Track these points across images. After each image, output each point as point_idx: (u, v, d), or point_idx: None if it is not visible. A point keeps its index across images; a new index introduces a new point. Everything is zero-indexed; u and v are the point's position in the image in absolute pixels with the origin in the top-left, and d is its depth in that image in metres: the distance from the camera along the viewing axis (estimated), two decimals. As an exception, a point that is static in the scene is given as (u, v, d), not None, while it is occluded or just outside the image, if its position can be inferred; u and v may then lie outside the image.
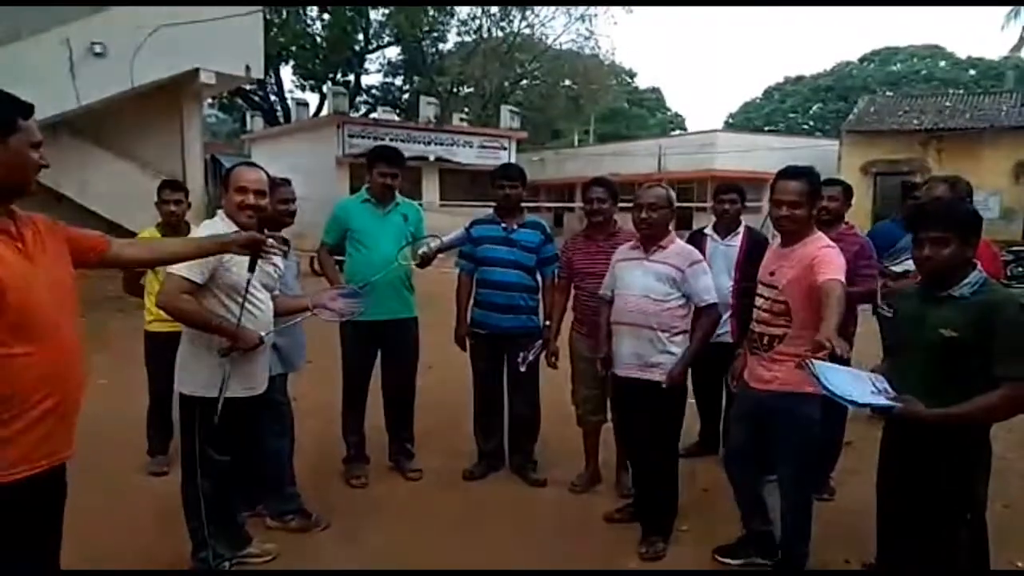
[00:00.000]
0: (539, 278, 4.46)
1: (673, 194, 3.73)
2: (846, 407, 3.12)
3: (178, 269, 2.90)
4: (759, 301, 3.29)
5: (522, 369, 4.29)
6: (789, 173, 3.17)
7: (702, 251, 4.63)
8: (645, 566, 3.51)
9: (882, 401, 2.50)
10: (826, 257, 2.98)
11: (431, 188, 25.42)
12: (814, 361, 2.56)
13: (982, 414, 2.46)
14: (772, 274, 3.23)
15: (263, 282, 3.15)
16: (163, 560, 3.34)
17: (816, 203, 3.21)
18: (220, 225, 3.06)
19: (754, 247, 4.40)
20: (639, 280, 3.60)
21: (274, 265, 3.24)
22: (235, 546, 3.30)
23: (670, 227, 3.72)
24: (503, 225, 4.40)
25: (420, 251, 4.17)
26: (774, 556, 3.39)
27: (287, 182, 3.84)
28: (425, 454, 4.70)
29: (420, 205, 4.79)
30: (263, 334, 3.06)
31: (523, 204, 4.56)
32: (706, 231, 4.81)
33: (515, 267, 4.34)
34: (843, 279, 2.89)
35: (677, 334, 3.58)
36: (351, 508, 4.06)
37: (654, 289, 3.55)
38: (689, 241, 4.71)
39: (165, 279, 2.98)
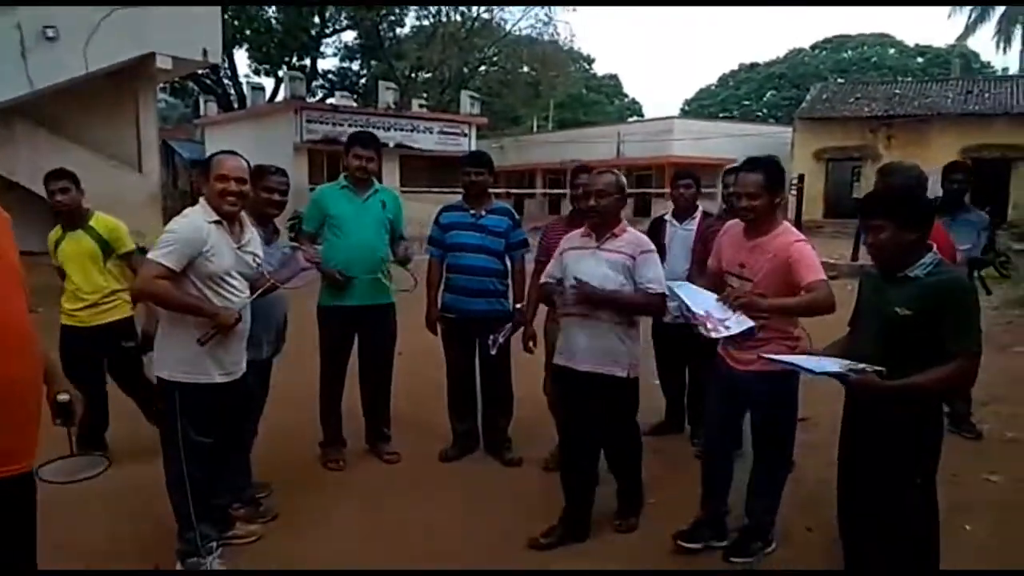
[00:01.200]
0: (507, 262, 4.55)
1: (624, 180, 3.62)
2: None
3: (155, 255, 2.95)
4: (730, 291, 3.34)
5: (492, 352, 4.39)
6: (748, 166, 3.29)
7: (663, 237, 4.79)
8: (618, 539, 3.65)
9: (841, 370, 2.63)
10: (804, 255, 3.10)
11: (391, 174, 25.19)
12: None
13: (936, 384, 2.62)
14: (743, 266, 3.28)
15: (241, 271, 3.20)
16: (135, 552, 3.38)
17: (778, 194, 3.27)
18: (202, 213, 3.09)
19: (709, 232, 4.55)
20: (594, 270, 3.46)
21: (253, 254, 3.29)
22: (220, 528, 3.36)
23: (622, 215, 3.65)
24: (471, 211, 4.48)
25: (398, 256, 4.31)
26: (724, 538, 3.48)
27: (281, 172, 3.84)
28: (401, 437, 4.77)
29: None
30: (239, 310, 3.11)
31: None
32: (666, 217, 4.97)
33: (484, 252, 4.44)
34: (825, 277, 3.06)
35: (632, 325, 3.55)
36: (329, 491, 4.13)
37: (610, 279, 3.44)
38: (651, 228, 4.86)
39: (142, 265, 3.01)
